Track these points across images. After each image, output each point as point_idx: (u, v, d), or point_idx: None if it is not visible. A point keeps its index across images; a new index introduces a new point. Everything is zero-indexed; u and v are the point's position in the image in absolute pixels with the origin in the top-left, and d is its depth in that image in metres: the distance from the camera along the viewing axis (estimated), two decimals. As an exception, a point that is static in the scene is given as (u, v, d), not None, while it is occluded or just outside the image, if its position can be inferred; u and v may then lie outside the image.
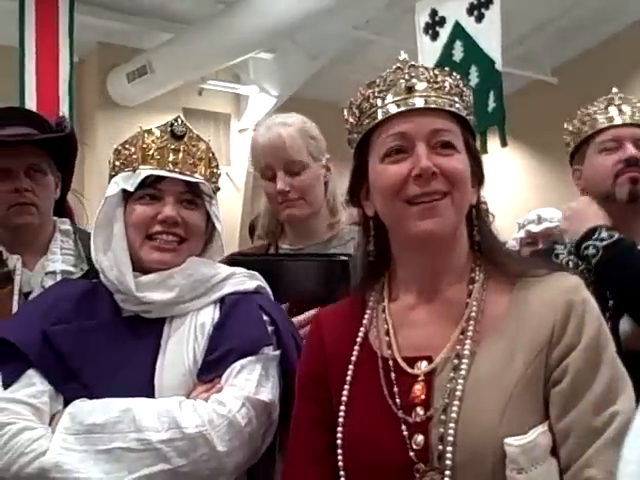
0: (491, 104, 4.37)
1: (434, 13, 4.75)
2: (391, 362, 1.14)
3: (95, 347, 1.41)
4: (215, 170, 1.55)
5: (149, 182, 1.47)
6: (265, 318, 1.45)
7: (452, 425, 1.04)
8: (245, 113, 7.70)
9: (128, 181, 1.47)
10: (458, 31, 4.63)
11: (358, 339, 1.20)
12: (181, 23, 6.47)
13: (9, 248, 1.81)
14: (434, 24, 4.75)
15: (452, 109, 1.17)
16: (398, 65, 1.18)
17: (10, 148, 1.74)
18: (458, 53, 4.65)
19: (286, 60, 7.13)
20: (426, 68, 1.19)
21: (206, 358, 1.40)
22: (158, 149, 1.48)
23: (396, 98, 1.16)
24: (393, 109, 1.16)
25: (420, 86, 1.16)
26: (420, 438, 1.06)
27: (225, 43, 6.12)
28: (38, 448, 1.27)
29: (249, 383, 1.35)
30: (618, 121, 1.88)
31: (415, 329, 1.17)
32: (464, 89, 1.21)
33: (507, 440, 1.00)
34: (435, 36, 4.75)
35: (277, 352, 1.43)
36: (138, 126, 1.53)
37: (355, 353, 1.19)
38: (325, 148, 1.93)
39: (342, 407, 1.15)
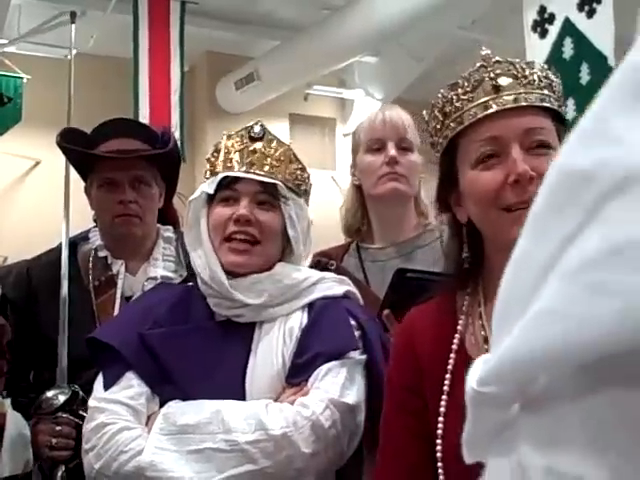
0: (603, 102, 4.19)
1: (543, 10, 4.59)
2: None
3: (189, 350, 1.45)
4: (299, 172, 1.55)
5: (226, 184, 1.50)
6: (352, 323, 1.45)
7: None
8: (350, 117, 7.71)
9: (210, 185, 1.52)
10: (568, 27, 4.47)
11: (454, 346, 1.15)
12: (287, 30, 6.55)
13: (114, 254, 1.88)
14: (543, 21, 4.60)
15: (544, 104, 1.10)
16: (482, 63, 1.12)
17: (116, 160, 1.80)
18: (568, 50, 4.48)
19: (391, 63, 7.08)
20: (512, 62, 1.12)
21: (294, 362, 1.42)
22: (236, 152, 1.52)
23: (483, 99, 1.10)
24: (481, 111, 1.10)
25: (507, 83, 1.10)
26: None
27: (330, 48, 6.15)
28: (136, 447, 1.32)
29: (334, 386, 1.36)
30: None
31: None
32: (553, 79, 1.13)
33: None
34: (544, 33, 4.59)
35: (363, 356, 1.43)
36: (222, 132, 1.57)
37: (451, 361, 1.14)
38: None
39: (440, 418, 1.11)
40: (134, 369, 1.43)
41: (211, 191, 1.51)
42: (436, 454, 1.10)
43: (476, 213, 1.14)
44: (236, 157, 1.51)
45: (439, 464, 1.09)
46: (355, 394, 1.38)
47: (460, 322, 1.17)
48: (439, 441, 1.10)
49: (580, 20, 4.43)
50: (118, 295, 1.81)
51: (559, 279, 0.38)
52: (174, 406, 1.38)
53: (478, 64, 1.12)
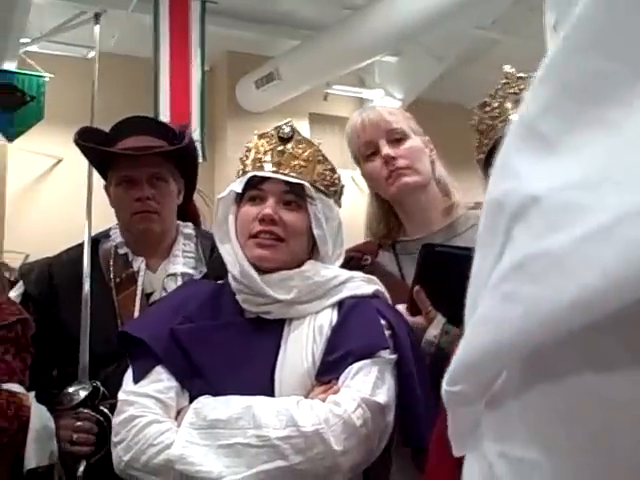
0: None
1: (564, 9, 4.58)
2: None
3: (219, 346, 1.46)
4: (328, 173, 1.56)
5: (254, 183, 1.51)
6: (382, 322, 1.45)
7: None
8: (370, 117, 7.71)
9: (239, 184, 1.53)
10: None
11: None
12: (308, 29, 6.56)
13: (134, 251, 1.89)
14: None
15: None
16: (505, 80, 1.16)
17: (133, 158, 1.82)
18: (589, 50, 4.46)
19: (411, 62, 7.08)
20: (533, 77, 1.16)
21: (324, 360, 1.42)
22: (265, 152, 1.53)
23: (510, 113, 1.15)
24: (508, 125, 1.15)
25: None
26: None
27: (350, 48, 6.16)
28: (165, 440, 1.33)
29: (365, 385, 1.36)
30: None
31: None
32: None
33: None
34: (565, 33, 4.57)
35: (394, 356, 1.43)
36: (254, 132, 1.58)
37: None
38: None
39: None
40: (164, 363, 1.43)
41: (239, 190, 1.52)
42: None
43: None
44: (265, 157, 1.52)
45: None
46: (386, 393, 1.38)
47: None
48: None
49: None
50: (139, 292, 1.82)
51: (488, 291, 0.45)
52: (204, 401, 1.38)
53: (502, 81, 1.15)
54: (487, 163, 1.20)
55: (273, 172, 1.50)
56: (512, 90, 1.15)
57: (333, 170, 1.58)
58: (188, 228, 1.97)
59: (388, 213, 1.85)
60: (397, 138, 1.75)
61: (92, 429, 1.64)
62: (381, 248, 1.85)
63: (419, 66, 6.98)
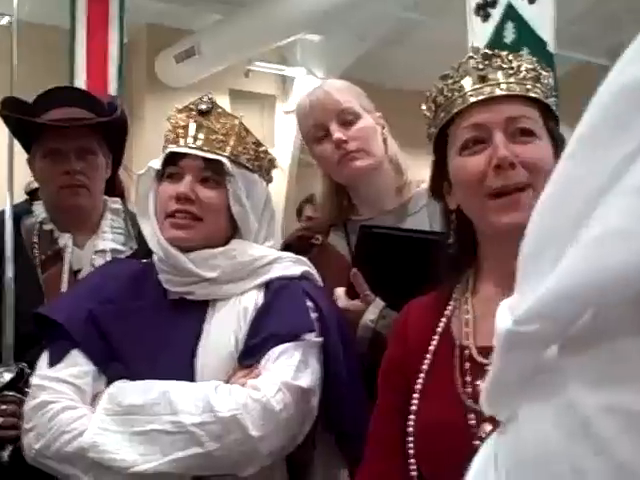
0: (543, 87, 4.27)
1: (486, -7, 4.65)
2: (467, 352, 1.13)
3: (139, 328, 1.42)
4: (251, 147, 1.51)
5: (173, 160, 1.47)
6: (309, 304, 1.43)
7: None
8: (291, 95, 7.67)
9: (158, 161, 1.49)
10: (510, 12, 4.53)
11: (439, 329, 1.20)
12: (230, 4, 6.45)
13: (61, 227, 1.83)
14: (485, 5, 4.64)
15: (530, 94, 1.15)
16: (470, 54, 1.16)
17: (61, 130, 1.75)
18: (509, 35, 4.55)
19: (334, 41, 7.06)
20: (499, 55, 1.17)
21: (247, 343, 1.39)
22: (183, 126, 1.48)
23: (470, 89, 1.15)
24: (467, 100, 1.14)
25: (494, 74, 1.15)
26: (488, 428, 1.05)
27: (273, 25, 6.10)
28: (79, 427, 1.29)
29: (287, 369, 1.34)
30: None
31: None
32: (542, 72, 1.18)
33: None
34: (486, 17, 4.63)
35: (319, 339, 1.41)
36: (174, 106, 1.53)
37: (434, 342, 1.19)
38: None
39: (415, 395, 1.15)
40: (81, 347, 1.39)
41: (158, 167, 1.48)
42: (407, 429, 1.14)
43: (463, 200, 1.18)
44: (182, 132, 1.47)
45: (409, 439, 1.13)
46: (309, 377, 1.36)
47: (449, 307, 1.22)
48: (412, 417, 1.14)
49: (522, 5, 4.49)
50: (65, 269, 1.76)
51: (627, 197, 0.36)
52: (120, 386, 1.34)
53: (467, 56, 1.16)
54: (439, 138, 1.20)
55: (189, 148, 1.46)
56: (476, 66, 1.15)
57: (257, 144, 1.53)
58: (116, 203, 1.92)
59: (340, 192, 1.81)
60: (349, 119, 1.70)
61: (17, 412, 1.58)
62: (332, 227, 1.82)
63: (342, 45, 6.97)
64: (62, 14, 5.41)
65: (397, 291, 1.38)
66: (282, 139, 7.59)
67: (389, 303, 1.53)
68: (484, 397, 0.50)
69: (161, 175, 1.49)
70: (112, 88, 5.42)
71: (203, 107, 1.48)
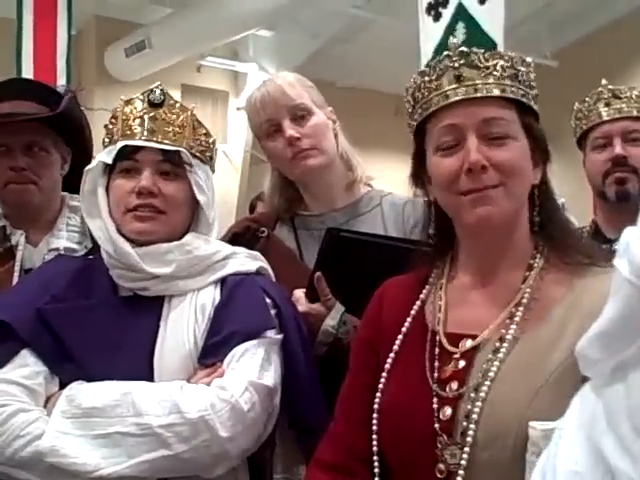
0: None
1: (437, -7, 4.69)
2: (438, 337, 1.16)
3: (91, 327, 1.37)
4: (203, 138, 1.49)
5: (126, 153, 1.43)
6: (268, 301, 1.42)
7: (479, 404, 1.05)
8: (243, 91, 7.64)
9: (109, 154, 1.44)
10: (461, 12, 4.58)
11: (412, 312, 1.22)
12: (181, -2, 6.40)
13: (14, 223, 1.78)
14: (437, 4, 4.68)
15: (505, 94, 1.14)
16: (447, 52, 1.16)
17: (7, 125, 1.70)
18: (460, 35, 4.58)
19: (286, 38, 7.06)
20: (476, 53, 1.16)
21: (207, 341, 1.36)
22: (136, 119, 1.44)
23: (445, 88, 1.15)
24: (442, 100, 1.15)
25: (469, 74, 1.14)
26: (448, 412, 1.08)
27: (225, 20, 6.06)
28: (34, 431, 1.24)
29: (252, 367, 1.32)
30: (605, 117, 1.89)
31: (467, 308, 1.18)
32: (520, 68, 1.17)
33: (532, 423, 0.99)
34: (438, 17, 4.68)
35: (280, 336, 1.40)
36: (120, 98, 1.49)
37: (407, 324, 1.21)
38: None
39: (384, 374, 1.18)
40: (30, 347, 1.33)
41: (109, 161, 1.43)
42: (374, 406, 1.16)
43: (439, 196, 1.20)
44: (135, 124, 1.43)
45: (374, 415, 1.16)
46: (272, 376, 1.35)
47: (424, 291, 1.25)
48: (379, 394, 1.17)
49: (472, 5, 4.54)
50: (17, 267, 1.71)
51: None
52: (78, 387, 1.29)
53: (444, 53, 1.16)
54: (418, 132, 1.21)
55: (146, 140, 1.42)
56: (452, 64, 1.15)
57: (208, 134, 1.51)
58: (75, 200, 1.85)
59: (288, 186, 1.78)
60: (300, 115, 1.68)
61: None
62: (279, 221, 1.79)
63: (294, 42, 6.97)
64: (8, 4, 5.29)
65: (358, 296, 1.38)
66: (235, 136, 7.56)
67: (349, 307, 1.52)
68: (590, 343, 0.50)
69: (111, 169, 1.45)
70: (60, 81, 5.32)
71: (156, 97, 1.45)
